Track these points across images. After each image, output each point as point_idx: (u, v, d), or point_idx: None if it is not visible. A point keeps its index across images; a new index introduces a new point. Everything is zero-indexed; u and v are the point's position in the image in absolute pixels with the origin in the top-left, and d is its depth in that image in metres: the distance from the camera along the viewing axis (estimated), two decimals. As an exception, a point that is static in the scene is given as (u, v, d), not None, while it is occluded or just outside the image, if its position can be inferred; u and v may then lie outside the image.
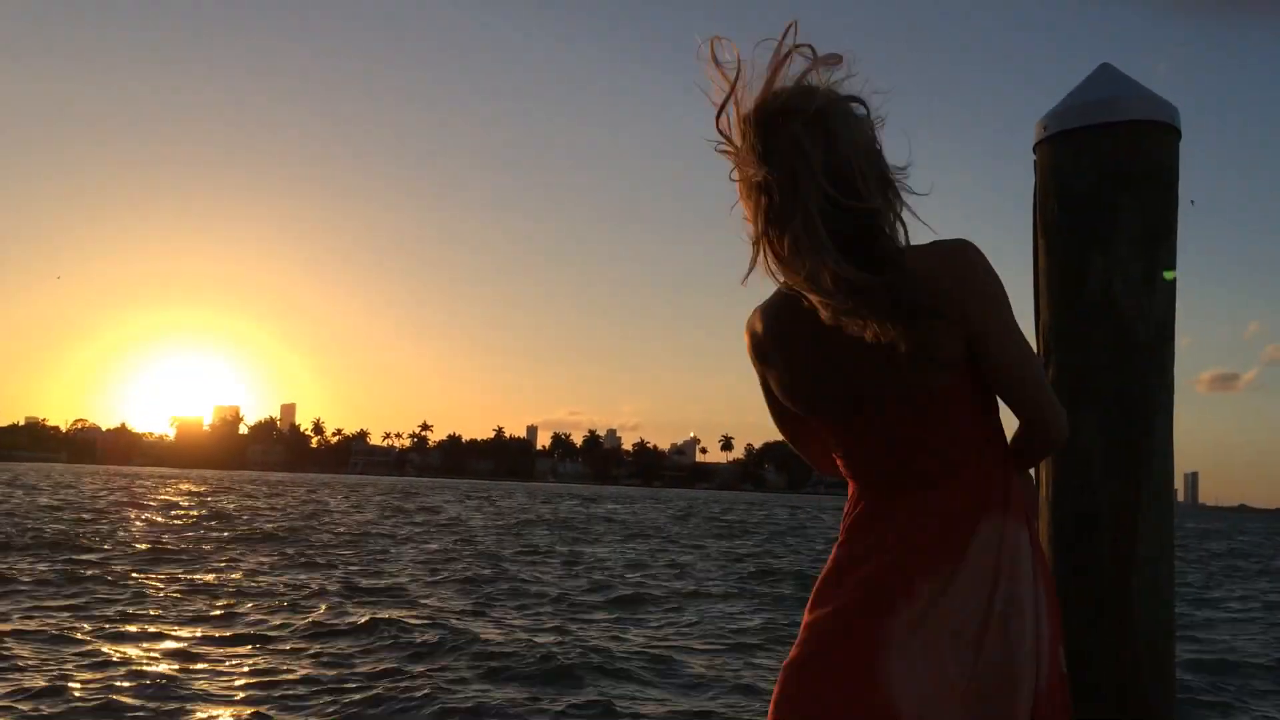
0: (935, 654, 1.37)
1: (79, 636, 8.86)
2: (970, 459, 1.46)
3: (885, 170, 1.41)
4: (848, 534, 1.52)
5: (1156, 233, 1.76)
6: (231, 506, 33.96)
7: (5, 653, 7.91)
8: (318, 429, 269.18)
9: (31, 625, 9.31)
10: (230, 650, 8.60)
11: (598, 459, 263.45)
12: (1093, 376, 1.74)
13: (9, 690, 6.78)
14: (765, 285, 1.47)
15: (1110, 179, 1.75)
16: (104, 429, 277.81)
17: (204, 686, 7.22)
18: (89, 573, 13.37)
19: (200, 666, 7.88)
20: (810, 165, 1.35)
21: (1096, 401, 1.72)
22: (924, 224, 1.43)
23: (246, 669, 7.86)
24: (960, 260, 1.41)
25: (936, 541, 1.42)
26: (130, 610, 10.47)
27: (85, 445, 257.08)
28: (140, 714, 6.49)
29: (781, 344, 1.52)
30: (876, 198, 1.37)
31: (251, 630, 9.57)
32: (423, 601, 11.82)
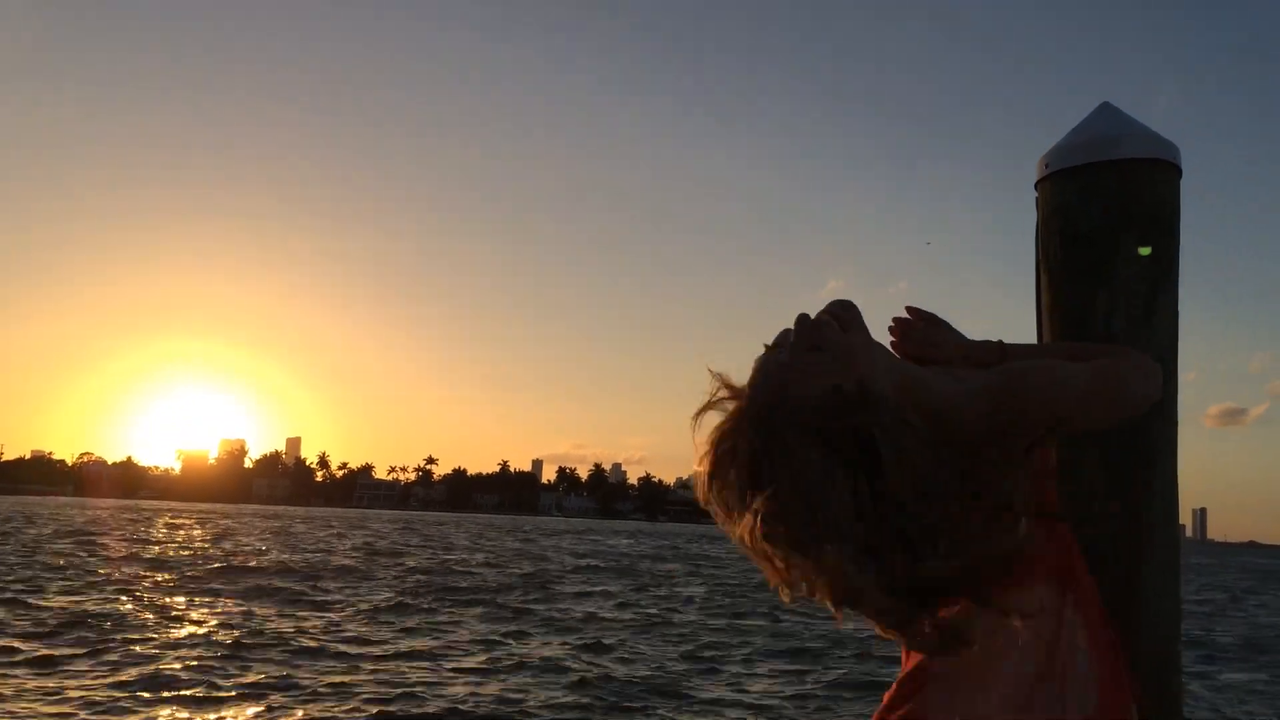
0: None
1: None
2: None
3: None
4: None
5: (1159, 272, 1.77)
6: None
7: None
8: (323, 462, 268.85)
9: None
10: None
11: (603, 493, 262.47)
12: (1096, 413, 1.74)
13: None
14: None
15: (1112, 216, 1.77)
16: (109, 462, 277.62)
17: None
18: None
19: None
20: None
21: (1098, 439, 1.72)
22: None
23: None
24: None
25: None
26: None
27: (91, 479, 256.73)
28: None
29: None
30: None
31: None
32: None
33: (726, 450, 1.21)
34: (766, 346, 1.28)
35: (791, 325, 1.28)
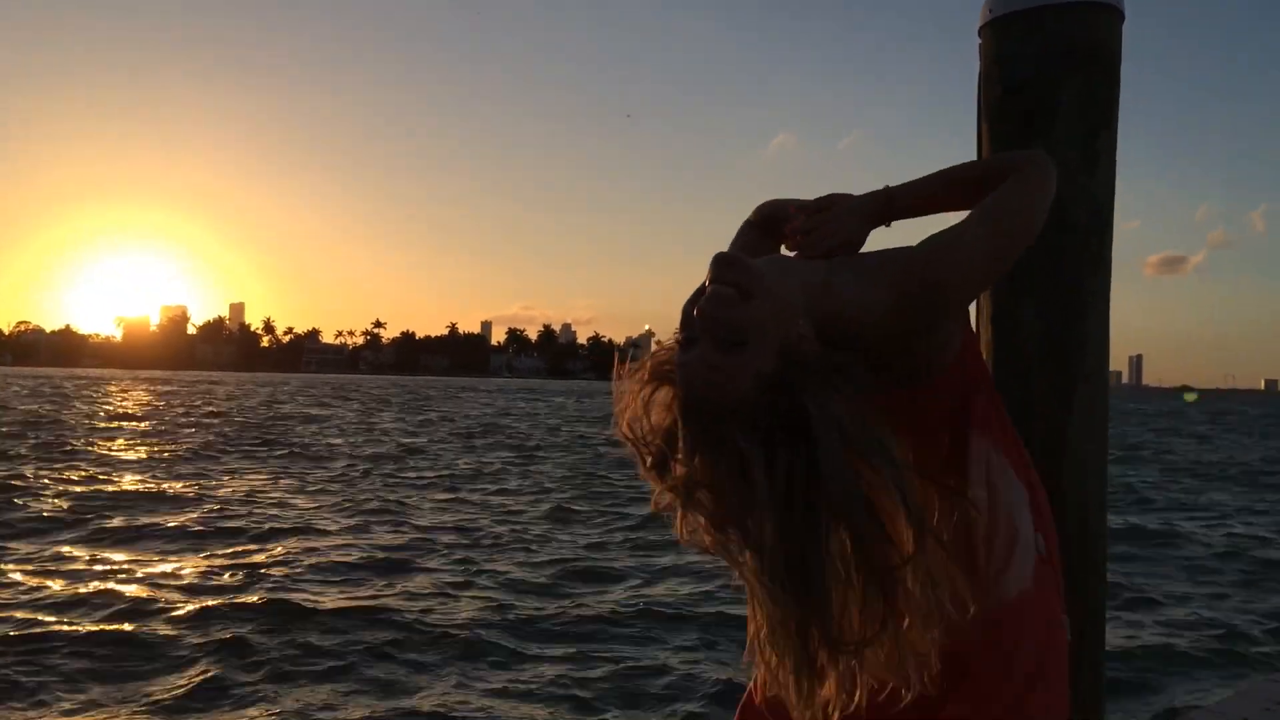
0: None
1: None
2: None
3: None
4: None
5: (1099, 116, 1.76)
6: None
7: None
8: (268, 328, 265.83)
9: None
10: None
11: (553, 353, 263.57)
12: (1031, 262, 1.75)
13: None
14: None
15: (1053, 62, 1.74)
16: (48, 331, 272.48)
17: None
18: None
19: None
20: None
21: (1034, 285, 1.74)
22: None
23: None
24: None
25: None
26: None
27: (29, 347, 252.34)
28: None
29: None
30: None
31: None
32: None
33: (669, 443, 1.28)
34: (678, 340, 1.30)
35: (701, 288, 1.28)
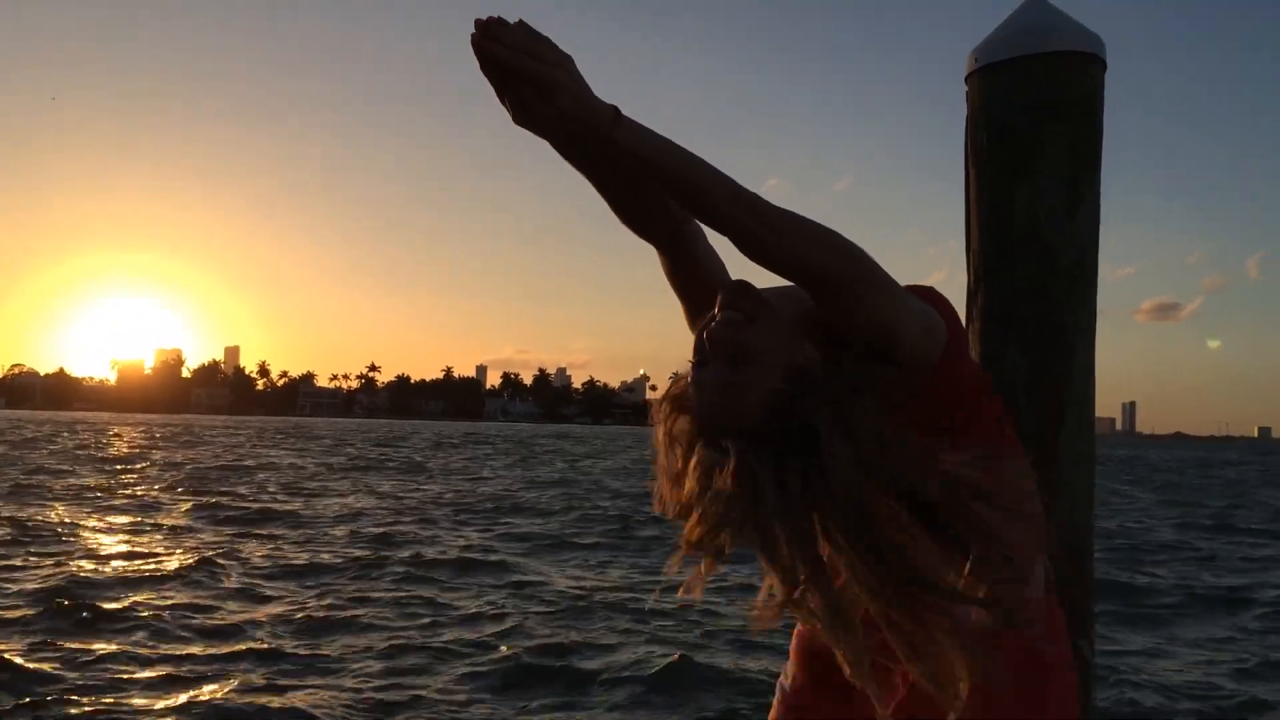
0: None
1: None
2: None
3: None
4: None
5: (1081, 162, 1.82)
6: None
7: None
8: (263, 371, 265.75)
9: None
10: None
11: (548, 398, 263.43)
12: (1017, 303, 1.80)
13: None
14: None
15: (1036, 110, 1.80)
16: (42, 374, 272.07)
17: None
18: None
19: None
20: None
21: (1020, 327, 1.78)
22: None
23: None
24: None
25: None
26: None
27: (23, 390, 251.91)
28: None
29: None
30: None
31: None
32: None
33: (688, 457, 1.36)
34: (691, 362, 1.37)
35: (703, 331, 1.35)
